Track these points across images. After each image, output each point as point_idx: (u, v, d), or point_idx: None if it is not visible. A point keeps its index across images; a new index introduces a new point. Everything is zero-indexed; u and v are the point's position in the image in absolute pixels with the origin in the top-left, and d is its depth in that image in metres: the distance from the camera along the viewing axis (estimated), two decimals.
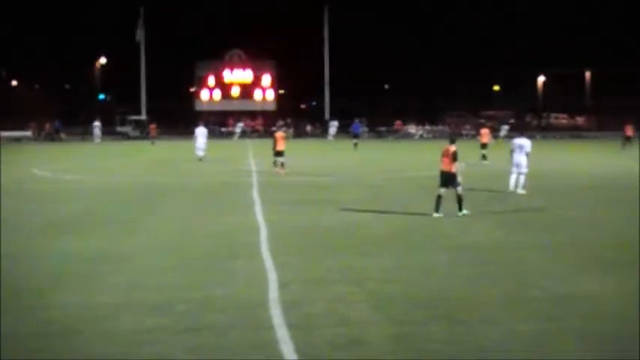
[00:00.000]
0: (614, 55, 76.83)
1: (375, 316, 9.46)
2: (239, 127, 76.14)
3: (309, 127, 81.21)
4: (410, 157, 43.13)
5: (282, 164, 30.81)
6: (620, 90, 75.98)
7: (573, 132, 74.83)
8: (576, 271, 12.09)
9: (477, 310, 9.73)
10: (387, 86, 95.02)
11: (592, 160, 40.42)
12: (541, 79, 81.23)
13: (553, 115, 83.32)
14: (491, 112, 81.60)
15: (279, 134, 32.37)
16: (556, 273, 11.97)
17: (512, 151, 23.32)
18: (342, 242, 14.67)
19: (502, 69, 75.46)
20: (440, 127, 76.35)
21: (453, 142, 18.38)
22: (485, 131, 38.79)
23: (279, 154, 31.12)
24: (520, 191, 22.78)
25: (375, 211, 19.09)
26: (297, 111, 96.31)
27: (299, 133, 76.78)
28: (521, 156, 22.98)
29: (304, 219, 17.85)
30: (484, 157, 36.34)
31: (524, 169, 22.99)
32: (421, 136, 71.44)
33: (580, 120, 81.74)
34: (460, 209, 17.81)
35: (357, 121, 59.65)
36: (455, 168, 17.72)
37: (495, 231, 16.20)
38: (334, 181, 27.90)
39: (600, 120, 78.19)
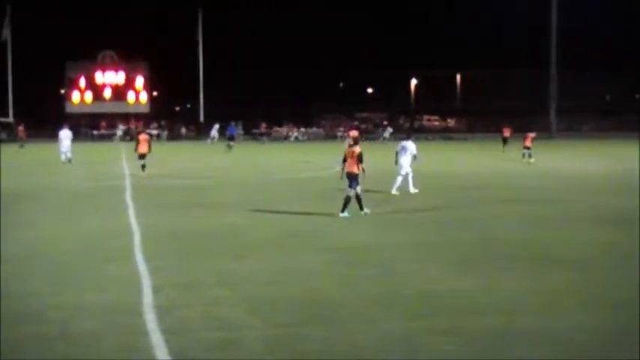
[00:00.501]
0: (483, 58, 79.44)
1: (251, 318, 9.41)
2: (120, 130, 74.62)
3: (183, 130, 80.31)
4: (284, 159, 43.29)
5: (144, 167, 30.38)
6: (488, 92, 78.74)
7: (445, 133, 76.92)
8: (446, 270, 12.40)
9: (352, 310, 9.83)
10: (262, 88, 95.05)
11: (467, 161, 41.72)
12: (413, 81, 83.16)
13: (425, 117, 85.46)
14: (365, 115, 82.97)
15: (143, 136, 31.98)
16: (427, 271, 12.24)
17: (397, 153, 23.90)
18: (218, 245, 14.54)
19: (376, 72, 76.74)
20: (315, 130, 76.98)
21: (356, 143, 18.83)
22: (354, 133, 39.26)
23: (142, 156, 30.71)
24: (412, 190, 23.46)
25: (251, 214, 19.04)
26: (172, 113, 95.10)
27: (173, 136, 75.84)
28: (406, 157, 23.61)
29: (179, 222, 17.59)
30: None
31: (408, 171, 23.61)
32: (296, 139, 71.79)
33: (451, 122, 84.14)
34: (361, 208, 18.24)
35: (232, 124, 59.93)
36: (358, 169, 18.01)
37: (372, 232, 16.40)
38: (210, 184, 27.67)
39: (470, 122, 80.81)
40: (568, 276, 11.90)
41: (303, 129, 76.08)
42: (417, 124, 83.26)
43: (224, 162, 40.61)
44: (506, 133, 51.11)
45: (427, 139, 70.53)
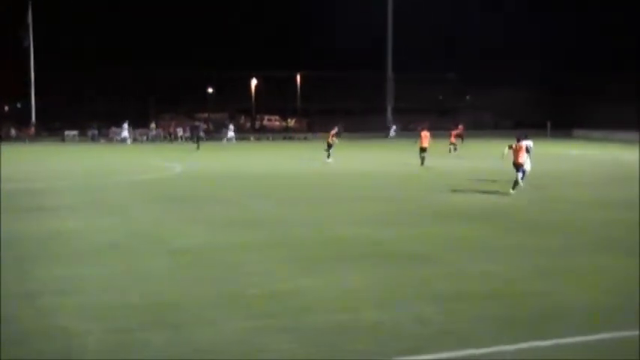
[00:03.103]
0: (322, 59, 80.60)
1: (90, 325, 9.15)
2: None
3: (13, 131, 76.62)
4: (122, 161, 42.28)
5: None
6: (328, 93, 79.96)
7: (285, 133, 77.52)
8: (291, 269, 12.53)
9: (194, 313, 9.77)
10: (99, 88, 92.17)
11: (306, 161, 42.20)
12: (254, 81, 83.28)
13: (266, 116, 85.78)
14: (205, 115, 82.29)
15: None
16: (272, 271, 12.33)
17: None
18: (53, 251, 14.05)
19: (216, 71, 76.18)
20: (154, 131, 75.39)
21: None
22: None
23: None
24: None
25: (89, 218, 18.51)
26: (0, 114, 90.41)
27: (0, 136, 72.14)
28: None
29: (11, 229, 16.75)
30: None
31: None
32: (135, 140, 70.15)
33: (291, 122, 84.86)
34: None
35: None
36: None
37: (218, 232, 16.34)
38: (46, 187, 26.60)
39: (310, 122, 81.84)
40: (408, 271, 12.31)
41: (141, 129, 74.39)
42: (257, 124, 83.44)
43: (60, 165, 39.12)
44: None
45: (268, 138, 71.07)
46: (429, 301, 10.32)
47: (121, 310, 9.87)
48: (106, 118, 73.89)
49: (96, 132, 71.27)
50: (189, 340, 8.64)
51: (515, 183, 24.11)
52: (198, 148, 52.85)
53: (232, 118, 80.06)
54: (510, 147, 24.62)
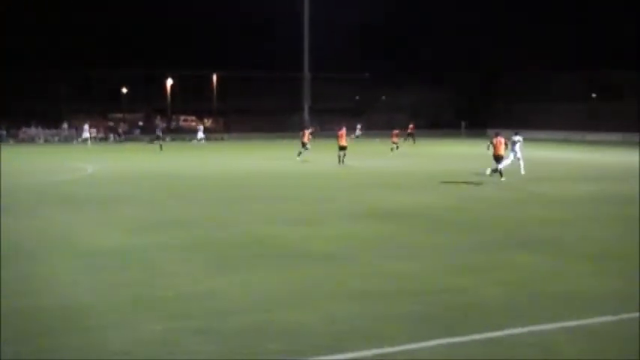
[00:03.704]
0: (238, 59, 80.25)
1: (3, 332, 8.80)
2: None
3: None
4: (32, 162, 41.24)
5: None
6: (244, 93, 79.66)
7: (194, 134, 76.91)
8: (207, 270, 12.39)
9: (108, 316, 9.56)
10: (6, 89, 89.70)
11: (221, 160, 41.93)
12: (169, 81, 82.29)
13: (182, 117, 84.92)
14: (119, 115, 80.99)
15: None
16: (187, 272, 12.17)
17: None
18: None
19: (130, 70, 75.02)
20: (66, 131, 73.81)
21: None
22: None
23: None
24: None
25: None
26: None
27: None
28: None
29: None
30: None
31: None
32: (46, 140, 68.65)
33: (208, 122, 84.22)
34: None
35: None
36: None
37: (133, 234, 16.05)
38: None
39: (226, 122, 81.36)
40: (323, 270, 12.31)
41: (54, 129, 72.79)
42: (173, 124, 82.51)
43: None
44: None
45: (184, 139, 70.31)
46: (344, 300, 10.33)
47: (32, 315, 9.59)
48: (15, 118, 71.92)
49: (4, 132, 69.28)
50: (104, 344, 8.46)
51: (494, 171, 28.18)
52: (161, 148, 52.69)
53: (148, 118, 78.95)
54: (491, 143, 28.98)
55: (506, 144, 28.99)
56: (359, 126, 73.33)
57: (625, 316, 9.50)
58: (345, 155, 37.10)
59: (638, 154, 45.95)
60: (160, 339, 8.65)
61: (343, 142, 37.47)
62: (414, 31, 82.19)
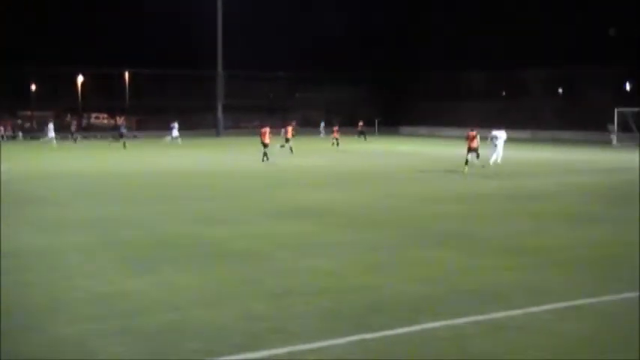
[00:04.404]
0: (151, 56, 79.22)
1: None
2: None
3: None
4: None
5: None
6: (157, 91, 78.69)
7: (114, 132, 75.63)
8: (121, 270, 12.24)
9: (19, 319, 9.35)
10: None
11: (138, 159, 41.34)
12: (80, 78, 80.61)
13: (94, 114, 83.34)
14: (29, 113, 78.93)
15: None
16: (101, 273, 12.00)
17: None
18: None
19: (39, 67, 73.05)
20: None
21: None
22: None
23: None
24: None
25: None
26: None
27: None
28: None
29: None
30: None
31: None
32: None
33: (120, 120, 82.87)
34: None
35: None
36: None
37: (40, 235, 15.70)
38: None
39: (139, 120, 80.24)
40: (238, 269, 12.31)
41: None
42: (84, 122, 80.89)
43: None
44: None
45: (96, 137, 69.17)
46: (259, 298, 10.34)
47: None
48: None
49: None
50: (16, 348, 8.27)
51: (466, 162, 32.49)
52: (124, 146, 51.72)
53: (58, 117, 77.12)
54: (467, 137, 33.50)
55: (474, 138, 33.40)
56: (323, 124, 73.09)
57: (533, 309, 9.78)
58: (267, 154, 37.38)
59: (546, 150, 47.26)
60: (76, 341, 8.52)
61: (266, 140, 37.99)
62: (331, 30, 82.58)
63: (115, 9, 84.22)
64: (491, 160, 34.69)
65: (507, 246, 14.59)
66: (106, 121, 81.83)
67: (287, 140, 43.46)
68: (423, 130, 75.08)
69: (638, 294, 10.55)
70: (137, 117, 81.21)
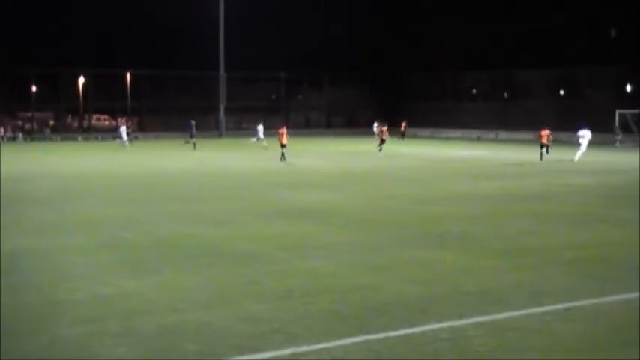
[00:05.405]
0: (152, 57, 79.18)
1: None
2: None
3: None
4: None
5: None
6: (159, 92, 78.58)
7: (115, 133, 75.58)
8: (120, 271, 12.22)
9: (17, 321, 9.32)
10: None
11: (135, 161, 41.33)
12: (81, 79, 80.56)
13: (95, 116, 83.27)
14: (29, 114, 78.86)
15: None
16: (100, 274, 11.98)
17: None
18: None
19: (41, 68, 72.92)
20: None
21: None
22: None
23: None
24: None
25: None
26: None
27: None
28: None
29: None
30: None
31: None
32: None
33: (122, 121, 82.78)
34: None
35: None
36: None
37: (35, 236, 15.68)
38: None
39: (141, 121, 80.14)
40: (237, 270, 12.28)
41: None
42: (85, 123, 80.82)
43: None
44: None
45: (97, 138, 69.15)
46: (258, 299, 10.32)
47: None
48: None
49: None
50: (18, 349, 8.25)
51: (541, 157, 38.12)
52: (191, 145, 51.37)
53: (58, 118, 77.09)
54: (539, 136, 38.45)
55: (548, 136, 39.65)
56: (376, 124, 71.51)
57: (534, 310, 9.77)
58: (284, 154, 37.91)
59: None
60: (76, 342, 8.50)
61: (284, 141, 38.58)
62: (331, 31, 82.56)
63: (117, 9, 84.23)
64: (576, 157, 38.49)
65: (508, 247, 14.58)
66: (107, 123, 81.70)
67: (282, 146, 41.11)
68: (424, 131, 74.87)
69: (637, 295, 10.54)
70: (138, 118, 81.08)
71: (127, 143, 54.32)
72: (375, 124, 65.91)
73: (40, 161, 40.66)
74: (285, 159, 37.68)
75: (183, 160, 40.96)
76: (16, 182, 27.78)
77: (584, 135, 39.95)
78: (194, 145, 52.01)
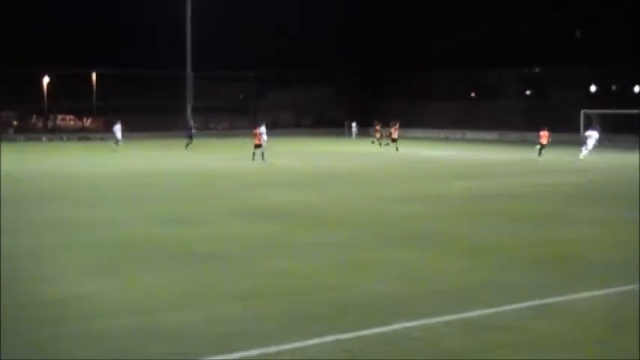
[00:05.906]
0: (118, 57, 78.59)
1: None
2: None
3: None
4: None
5: None
6: (125, 92, 77.94)
7: (81, 133, 74.85)
8: (85, 273, 12.02)
9: None
10: None
11: (107, 161, 40.92)
12: (46, 79, 79.64)
13: (60, 116, 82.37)
14: None
15: None
16: (64, 277, 11.76)
17: None
18: None
19: (2, 67, 71.91)
20: None
21: None
22: None
23: None
24: None
25: None
26: None
27: None
28: None
29: None
30: None
31: None
32: None
33: (87, 121, 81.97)
34: None
35: None
36: None
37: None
38: None
39: (107, 121, 79.43)
40: (205, 270, 12.13)
41: None
42: (50, 123, 79.95)
43: None
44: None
45: (62, 139, 68.46)
46: (226, 300, 10.18)
47: None
48: None
49: None
50: None
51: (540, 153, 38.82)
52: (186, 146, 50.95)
53: (22, 119, 76.18)
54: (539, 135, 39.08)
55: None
56: (354, 124, 71.66)
57: (506, 308, 9.75)
58: (258, 153, 37.70)
59: (515, 152, 47.53)
60: (39, 345, 8.29)
61: (257, 141, 38.47)
62: (300, 31, 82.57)
63: (82, 8, 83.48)
64: (581, 155, 40.07)
65: (479, 245, 14.57)
66: (72, 123, 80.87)
67: (256, 146, 40.91)
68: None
69: (606, 292, 10.60)
70: (104, 118, 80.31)
71: (120, 142, 53.38)
72: (376, 124, 66.07)
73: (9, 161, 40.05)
74: (264, 159, 37.36)
75: (154, 160, 40.57)
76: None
77: (591, 135, 41.09)
78: (187, 144, 51.58)
